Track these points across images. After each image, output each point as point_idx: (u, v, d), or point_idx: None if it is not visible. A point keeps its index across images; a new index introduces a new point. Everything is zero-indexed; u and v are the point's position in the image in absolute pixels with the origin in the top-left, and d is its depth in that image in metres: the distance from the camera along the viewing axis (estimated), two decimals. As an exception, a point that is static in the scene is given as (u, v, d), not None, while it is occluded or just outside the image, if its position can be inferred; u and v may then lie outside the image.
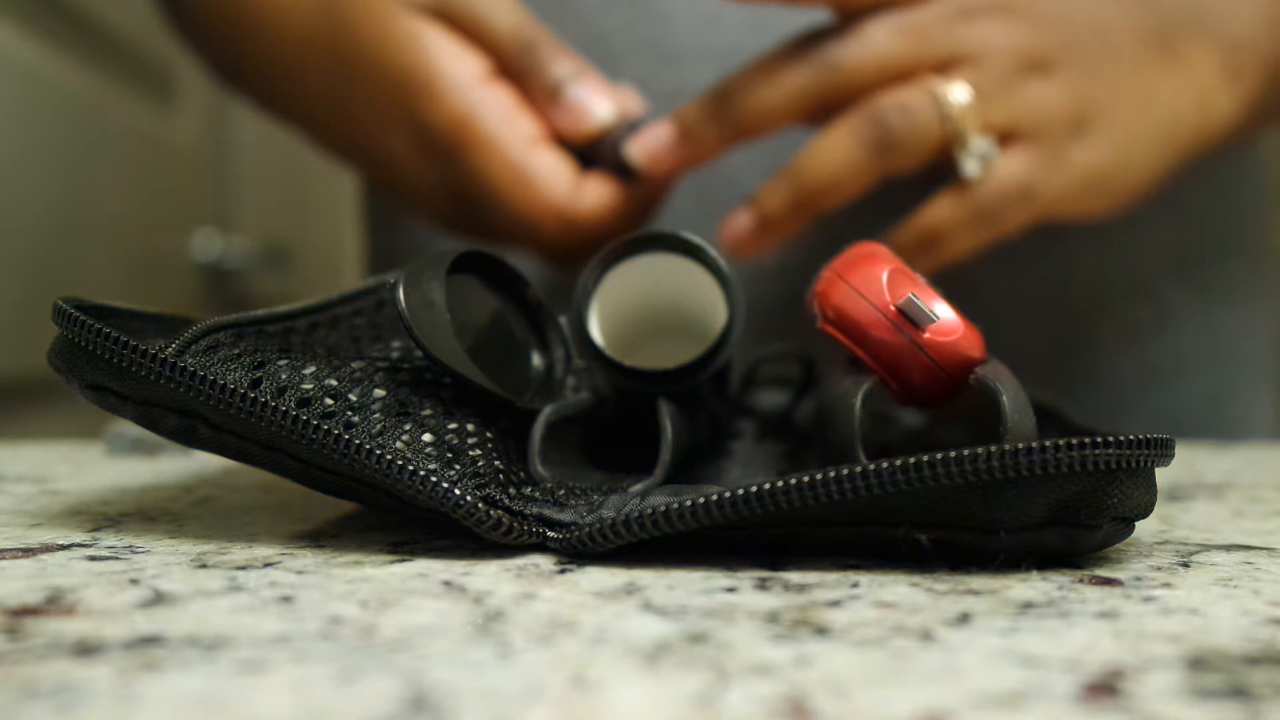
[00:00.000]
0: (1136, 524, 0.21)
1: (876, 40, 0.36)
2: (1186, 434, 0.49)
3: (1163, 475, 0.22)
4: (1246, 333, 0.52)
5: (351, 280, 0.44)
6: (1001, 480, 0.19)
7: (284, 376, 0.22)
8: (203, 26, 0.52)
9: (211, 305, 1.16)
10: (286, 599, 0.17)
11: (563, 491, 0.22)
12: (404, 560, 0.20)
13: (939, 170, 0.37)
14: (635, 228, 0.41)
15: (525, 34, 0.39)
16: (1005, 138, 0.37)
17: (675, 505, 0.19)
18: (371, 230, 0.59)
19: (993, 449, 0.18)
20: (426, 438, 0.22)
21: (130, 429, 0.38)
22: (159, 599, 0.17)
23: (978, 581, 0.19)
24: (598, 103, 0.38)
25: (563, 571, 0.20)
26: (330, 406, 0.22)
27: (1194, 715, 0.13)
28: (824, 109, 0.37)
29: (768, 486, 0.19)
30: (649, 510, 0.19)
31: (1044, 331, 0.47)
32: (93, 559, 0.20)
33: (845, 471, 0.19)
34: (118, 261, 0.95)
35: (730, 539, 0.20)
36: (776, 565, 0.20)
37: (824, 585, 0.19)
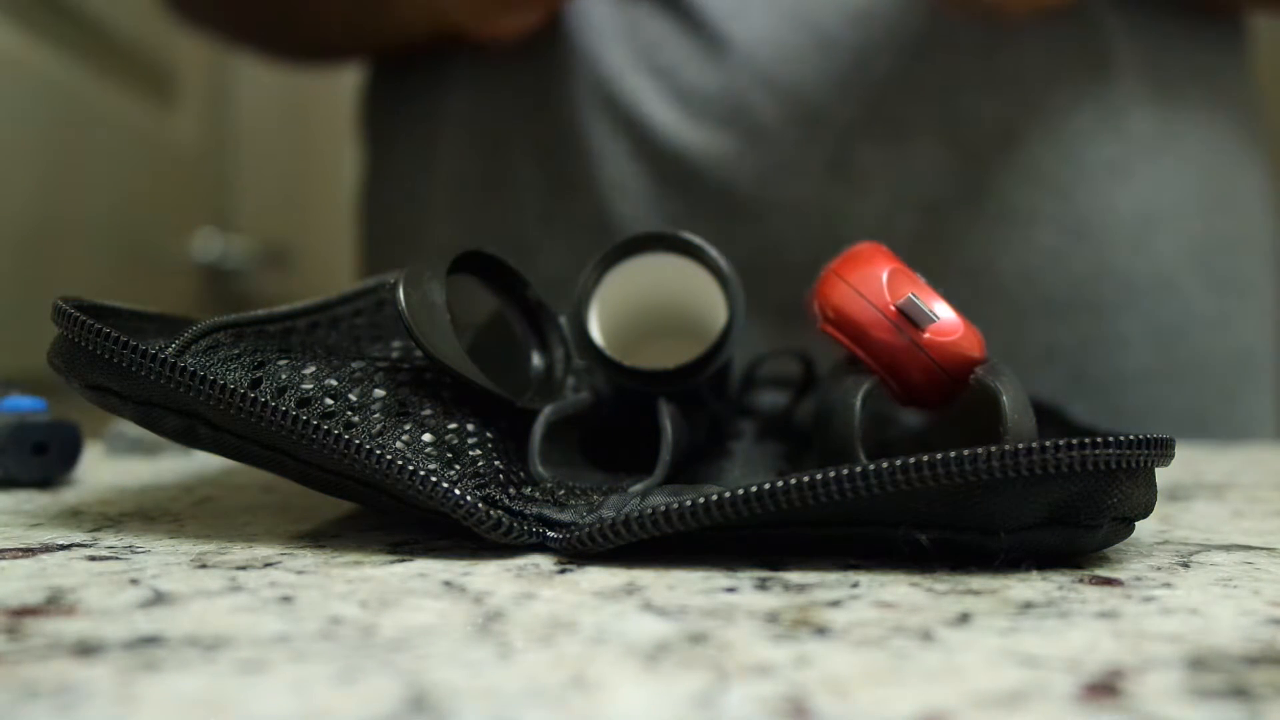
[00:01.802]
0: (1136, 524, 0.21)
1: None
2: (1209, 432, 0.49)
3: (1163, 475, 0.22)
4: (1260, 327, 0.52)
5: (351, 280, 0.44)
6: (1001, 480, 0.19)
7: (284, 376, 0.22)
8: None
9: (211, 305, 1.16)
10: (286, 599, 0.17)
11: (563, 491, 0.22)
12: (404, 560, 0.20)
13: None
14: None
15: None
16: None
17: (675, 505, 0.19)
18: (368, 231, 0.59)
19: (993, 449, 0.18)
20: (426, 438, 0.22)
21: (130, 429, 0.38)
22: (159, 599, 0.17)
23: (978, 581, 0.19)
24: None
25: (563, 571, 0.20)
26: (330, 406, 0.22)
27: (1194, 715, 0.13)
28: None
29: (767, 486, 0.19)
30: (649, 510, 0.19)
31: (1074, 331, 0.47)
32: (93, 559, 0.20)
33: (845, 471, 0.19)
34: (117, 261, 0.95)
35: (730, 539, 0.20)
36: (776, 565, 0.20)
37: (824, 585, 0.19)
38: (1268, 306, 0.53)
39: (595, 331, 0.25)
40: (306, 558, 0.21)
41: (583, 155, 0.49)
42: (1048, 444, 0.18)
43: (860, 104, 0.46)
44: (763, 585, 0.19)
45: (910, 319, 0.23)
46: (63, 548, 0.21)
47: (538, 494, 0.22)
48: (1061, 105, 0.47)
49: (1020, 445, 0.18)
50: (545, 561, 0.20)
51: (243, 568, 0.20)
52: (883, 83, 0.46)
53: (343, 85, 1.11)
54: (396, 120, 0.56)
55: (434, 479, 0.20)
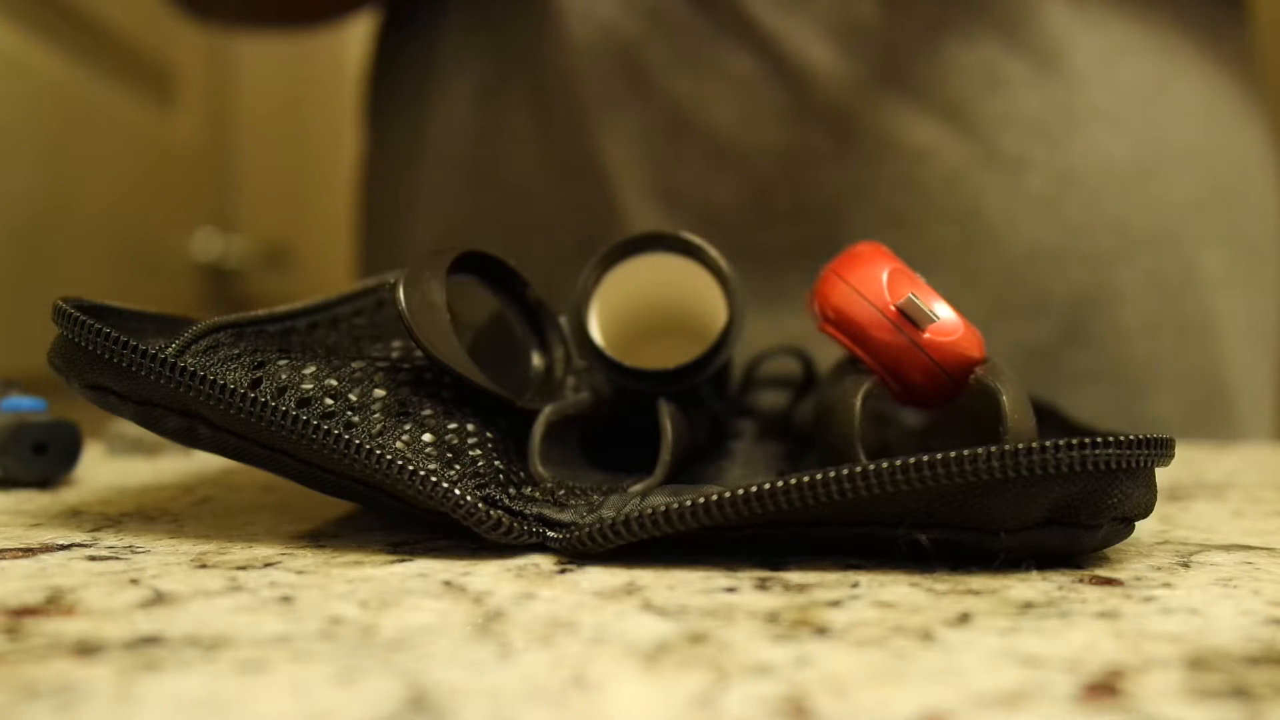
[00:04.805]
0: (1136, 524, 0.21)
1: None
2: (1224, 394, 0.49)
3: (1163, 475, 0.22)
4: (1268, 294, 0.52)
5: (351, 280, 0.44)
6: (1001, 480, 0.19)
7: (284, 376, 0.22)
8: None
9: (211, 305, 1.16)
10: (286, 599, 0.17)
11: (563, 491, 0.22)
12: (404, 560, 0.20)
13: None
14: None
15: None
16: None
17: (675, 505, 0.19)
18: (367, 231, 0.59)
19: (993, 449, 0.18)
20: (426, 438, 0.22)
21: (130, 429, 0.38)
22: (159, 599, 0.17)
23: (978, 581, 0.19)
24: None
25: (563, 571, 0.20)
26: (330, 406, 0.22)
27: (1194, 715, 0.13)
28: None
29: (768, 486, 0.19)
30: (649, 510, 0.19)
31: (1068, 280, 0.47)
32: (93, 559, 0.20)
33: (845, 471, 0.19)
34: (117, 261, 0.95)
35: (730, 539, 0.20)
36: (776, 565, 0.20)
37: (824, 585, 0.19)
38: (1275, 273, 0.52)
39: (595, 331, 0.25)
40: (306, 558, 0.21)
41: (577, 101, 0.49)
42: (1048, 444, 0.18)
43: (844, 49, 0.47)
44: (763, 585, 0.19)
45: (910, 319, 0.23)
46: (63, 548, 0.21)
47: (538, 494, 0.22)
48: (1048, 51, 0.47)
49: (1020, 445, 0.18)
50: (545, 561, 0.20)
51: (243, 568, 0.20)
52: (867, 29, 0.47)
53: (343, 85, 1.11)
54: (395, 85, 0.57)
55: (434, 479, 0.20)
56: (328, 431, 0.20)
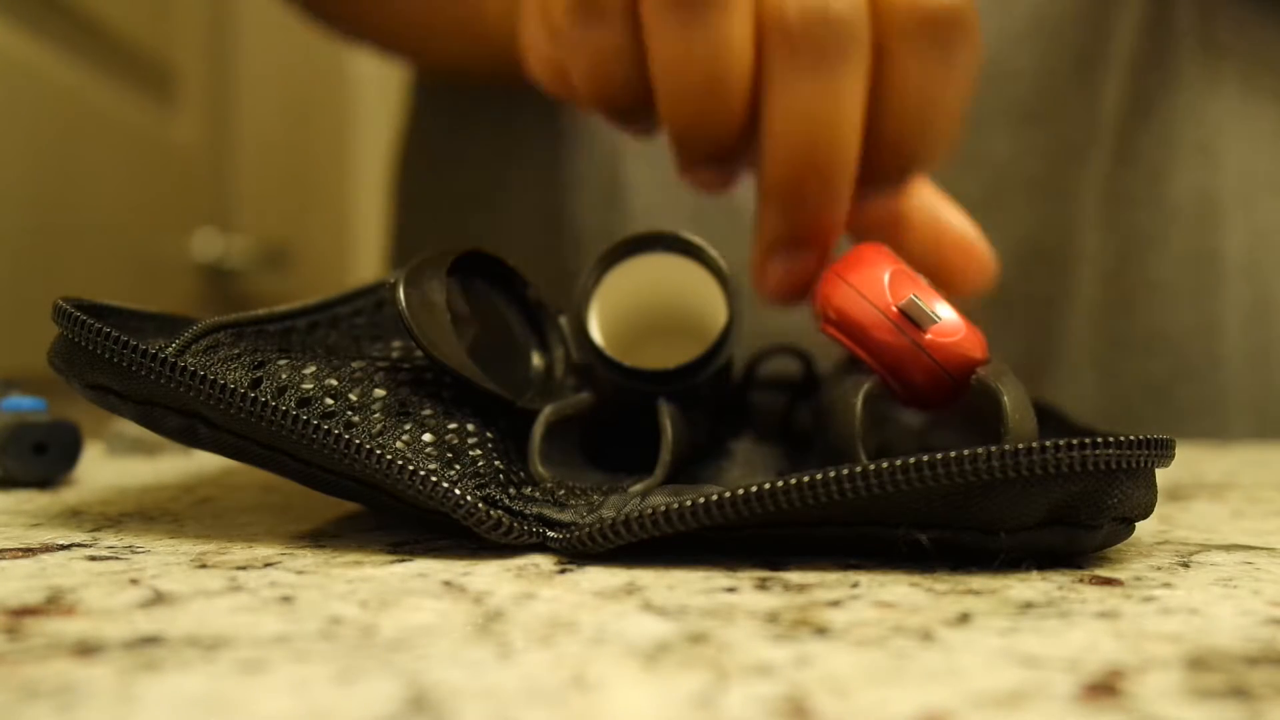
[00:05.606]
0: (1136, 524, 0.21)
1: None
2: None
3: (1163, 475, 0.22)
4: None
5: (352, 280, 0.44)
6: (1001, 480, 0.19)
7: (284, 376, 0.22)
8: None
9: (211, 305, 1.16)
10: (286, 599, 0.17)
11: (563, 491, 0.22)
12: (404, 560, 0.20)
13: None
14: None
15: None
16: None
17: (675, 505, 0.19)
18: (393, 229, 0.59)
19: (993, 449, 0.18)
20: (426, 438, 0.22)
21: (130, 429, 0.38)
22: (159, 599, 0.17)
23: (978, 581, 0.19)
24: None
25: (563, 571, 0.20)
26: (330, 406, 0.22)
27: (1194, 715, 0.13)
28: None
29: (768, 486, 0.19)
30: (649, 510, 0.19)
31: (1177, 316, 0.48)
32: (93, 559, 0.20)
33: (845, 471, 0.19)
34: (117, 261, 0.95)
35: (730, 539, 0.20)
36: (776, 565, 0.20)
37: (824, 585, 0.19)
38: None
39: (595, 331, 0.25)
40: (306, 558, 0.21)
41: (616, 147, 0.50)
42: (1048, 444, 0.18)
43: None
44: (763, 585, 0.19)
45: (912, 320, 0.23)
46: (63, 548, 0.21)
47: (538, 494, 0.22)
48: (1154, 87, 0.49)
49: (1020, 445, 0.18)
50: (545, 561, 0.20)
51: (243, 568, 0.20)
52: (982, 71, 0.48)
53: (344, 85, 1.11)
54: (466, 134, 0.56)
55: (434, 479, 0.20)
56: (328, 431, 0.20)
